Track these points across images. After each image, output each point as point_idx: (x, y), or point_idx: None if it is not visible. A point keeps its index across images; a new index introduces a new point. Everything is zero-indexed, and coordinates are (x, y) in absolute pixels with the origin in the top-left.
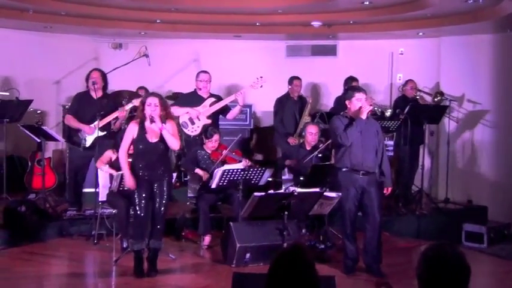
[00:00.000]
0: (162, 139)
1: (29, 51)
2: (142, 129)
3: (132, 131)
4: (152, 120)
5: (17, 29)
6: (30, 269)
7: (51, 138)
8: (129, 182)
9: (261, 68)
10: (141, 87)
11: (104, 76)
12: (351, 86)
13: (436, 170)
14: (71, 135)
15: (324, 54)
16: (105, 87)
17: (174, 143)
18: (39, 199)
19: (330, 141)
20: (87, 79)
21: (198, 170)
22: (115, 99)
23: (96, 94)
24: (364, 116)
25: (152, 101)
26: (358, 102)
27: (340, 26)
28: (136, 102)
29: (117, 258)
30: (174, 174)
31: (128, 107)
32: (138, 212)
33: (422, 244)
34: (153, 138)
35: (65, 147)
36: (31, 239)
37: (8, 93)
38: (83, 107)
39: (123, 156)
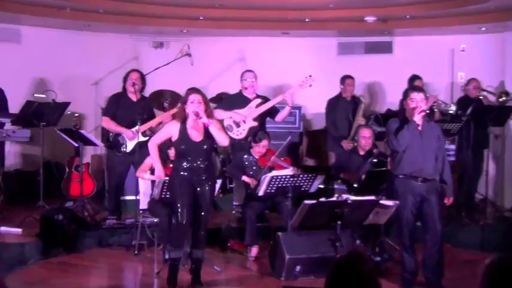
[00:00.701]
0: (206, 138)
1: (66, 50)
2: (184, 130)
3: (171, 128)
4: (197, 115)
5: (54, 27)
6: (67, 280)
7: (90, 142)
8: (159, 171)
9: (310, 67)
10: (192, 88)
11: (143, 78)
12: (411, 85)
13: (502, 176)
14: (110, 139)
15: (379, 52)
16: (143, 89)
17: (223, 138)
18: (77, 207)
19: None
20: (125, 80)
21: (245, 177)
22: (155, 101)
23: (135, 96)
24: (416, 118)
25: (195, 97)
26: (412, 103)
27: (396, 21)
28: None
29: (159, 270)
30: (219, 181)
31: (174, 111)
32: (180, 219)
33: (487, 257)
34: (196, 138)
35: (104, 152)
36: (68, 249)
37: (44, 96)
38: (121, 109)
39: (153, 146)
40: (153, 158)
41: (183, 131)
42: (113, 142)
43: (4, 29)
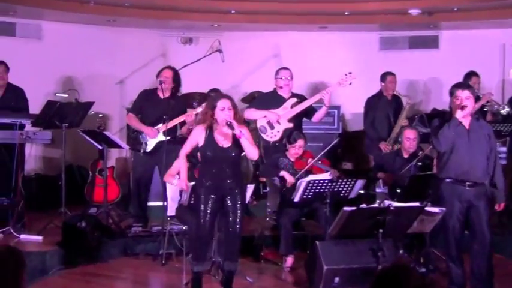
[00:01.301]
0: (234, 145)
1: (90, 47)
2: (210, 135)
3: (198, 134)
4: (230, 126)
5: (77, 22)
6: None
7: (115, 145)
8: (183, 182)
9: (350, 64)
10: (213, 90)
11: (176, 76)
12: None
13: None
14: (130, 137)
15: (424, 47)
16: (176, 88)
17: (254, 152)
18: (101, 214)
19: (429, 148)
20: (157, 76)
21: (284, 173)
22: (184, 101)
23: (163, 94)
24: (458, 115)
25: (225, 104)
26: (457, 101)
27: (443, 14)
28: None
29: (187, 281)
30: (252, 186)
31: (198, 110)
32: (201, 229)
33: None
34: (224, 144)
35: (130, 155)
36: (92, 258)
37: (66, 95)
38: (148, 106)
39: (182, 157)
40: (181, 170)
41: (210, 137)
42: (133, 140)
43: (25, 24)
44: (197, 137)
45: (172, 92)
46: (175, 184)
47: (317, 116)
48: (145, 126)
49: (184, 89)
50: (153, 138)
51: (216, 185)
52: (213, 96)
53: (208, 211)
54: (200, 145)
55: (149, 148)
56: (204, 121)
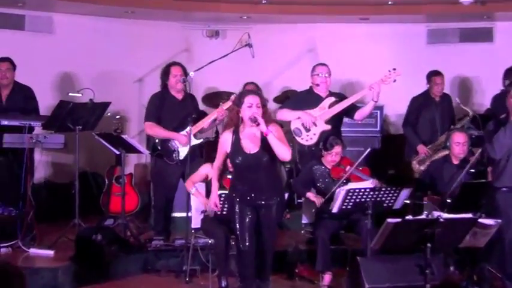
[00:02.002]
0: (264, 149)
1: (106, 42)
2: (237, 139)
3: (225, 142)
4: (255, 122)
5: (91, 14)
6: None
7: (133, 149)
8: (212, 202)
9: (394, 59)
10: (249, 83)
11: (185, 72)
12: None
13: None
14: (158, 147)
15: (477, 40)
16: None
17: (284, 151)
18: (118, 226)
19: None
20: (165, 75)
21: (310, 195)
22: (210, 101)
23: (180, 94)
24: None
25: (253, 100)
26: None
27: (498, 4)
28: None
29: None
30: (285, 195)
31: (228, 105)
32: (242, 246)
33: None
34: (251, 148)
35: (150, 161)
36: (108, 275)
37: (80, 95)
38: (166, 111)
39: (215, 171)
40: (212, 188)
41: (236, 142)
42: (163, 150)
43: (34, 17)
44: (224, 144)
45: (185, 91)
46: (192, 193)
47: (361, 112)
48: (175, 133)
49: (211, 87)
50: (186, 144)
51: (250, 196)
52: (240, 92)
53: (247, 224)
54: (228, 151)
55: (181, 155)
56: (231, 122)
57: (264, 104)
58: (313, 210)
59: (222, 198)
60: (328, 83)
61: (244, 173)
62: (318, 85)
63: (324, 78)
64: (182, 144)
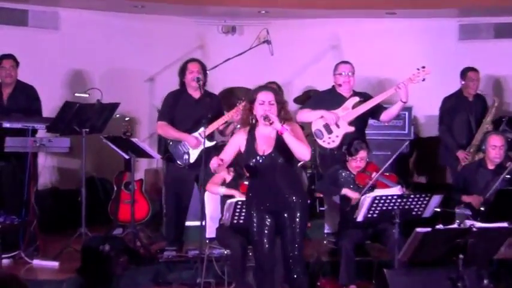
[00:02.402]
0: (279, 149)
1: (114, 38)
2: (251, 140)
3: (238, 139)
4: (268, 120)
5: (98, 9)
6: None
7: (144, 154)
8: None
9: (423, 56)
10: (270, 83)
11: (204, 69)
12: None
13: None
14: (168, 149)
15: None
16: (204, 84)
17: (303, 150)
18: (127, 235)
19: None
20: (182, 73)
21: (346, 191)
22: (225, 101)
23: (198, 93)
24: None
25: (266, 97)
26: None
27: None
28: None
29: None
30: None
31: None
32: (261, 257)
33: None
34: (265, 149)
35: (162, 166)
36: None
37: (87, 95)
38: (181, 111)
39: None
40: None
41: (251, 142)
42: (172, 152)
43: (39, 12)
44: (238, 142)
45: (204, 89)
46: (223, 193)
47: (388, 113)
48: (185, 134)
49: (227, 87)
50: (196, 147)
51: (269, 201)
52: (253, 89)
53: (266, 232)
54: (242, 151)
55: (192, 159)
56: (245, 120)
57: (279, 101)
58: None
59: (238, 206)
60: (351, 82)
61: (259, 176)
62: (340, 85)
63: (346, 78)
64: (192, 147)
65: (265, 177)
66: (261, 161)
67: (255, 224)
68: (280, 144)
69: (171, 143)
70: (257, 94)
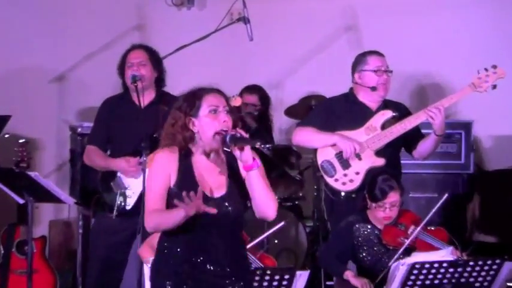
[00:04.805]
0: (233, 191)
1: (5, 19)
2: (186, 170)
3: (165, 167)
4: (238, 142)
5: None
6: None
7: (49, 196)
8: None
9: (491, 48)
10: (250, 87)
11: (155, 59)
12: None
13: None
14: (94, 186)
15: None
16: (159, 82)
17: (271, 202)
18: None
19: None
20: (121, 69)
21: (348, 274)
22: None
23: (143, 99)
24: None
25: (218, 101)
26: None
27: None
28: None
29: None
30: (305, 274)
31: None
32: None
33: None
34: (214, 189)
35: (78, 216)
36: None
37: None
38: (121, 126)
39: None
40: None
41: (186, 173)
42: (103, 190)
43: None
44: (166, 171)
45: (156, 92)
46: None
47: (423, 146)
48: (112, 160)
49: (182, 90)
50: (132, 175)
51: (197, 278)
52: (191, 90)
53: None
54: (172, 186)
55: (131, 201)
56: (173, 140)
57: (234, 110)
58: None
59: None
60: (388, 85)
61: (192, 231)
62: (375, 88)
63: (384, 77)
64: (125, 174)
65: (201, 235)
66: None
67: None
68: (238, 184)
69: (99, 177)
70: (202, 98)
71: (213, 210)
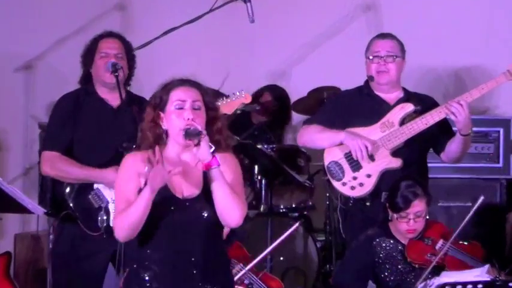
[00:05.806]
0: (208, 194)
1: None
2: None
3: (133, 171)
4: (194, 137)
5: None
6: None
7: (13, 206)
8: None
9: None
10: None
11: (131, 54)
12: None
13: None
14: (67, 200)
15: None
16: (128, 79)
17: (234, 208)
18: None
19: None
20: (88, 58)
21: None
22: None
23: (116, 95)
24: None
25: (185, 95)
26: None
27: None
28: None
29: None
30: None
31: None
32: None
33: None
34: (185, 189)
35: (48, 229)
36: None
37: None
38: (86, 130)
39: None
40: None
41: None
42: (76, 207)
43: None
44: (135, 176)
45: (127, 90)
46: None
47: (450, 149)
48: (97, 170)
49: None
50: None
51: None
52: (164, 83)
53: None
54: (142, 187)
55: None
56: (145, 139)
57: (210, 105)
58: None
59: None
60: (393, 72)
61: (164, 238)
62: (372, 78)
63: (382, 64)
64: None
65: (178, 239)
66: (176, 209)
67: None
68: (210, 189)
69: (67, 190)
70: (171, 91)
71: (158, 154)
